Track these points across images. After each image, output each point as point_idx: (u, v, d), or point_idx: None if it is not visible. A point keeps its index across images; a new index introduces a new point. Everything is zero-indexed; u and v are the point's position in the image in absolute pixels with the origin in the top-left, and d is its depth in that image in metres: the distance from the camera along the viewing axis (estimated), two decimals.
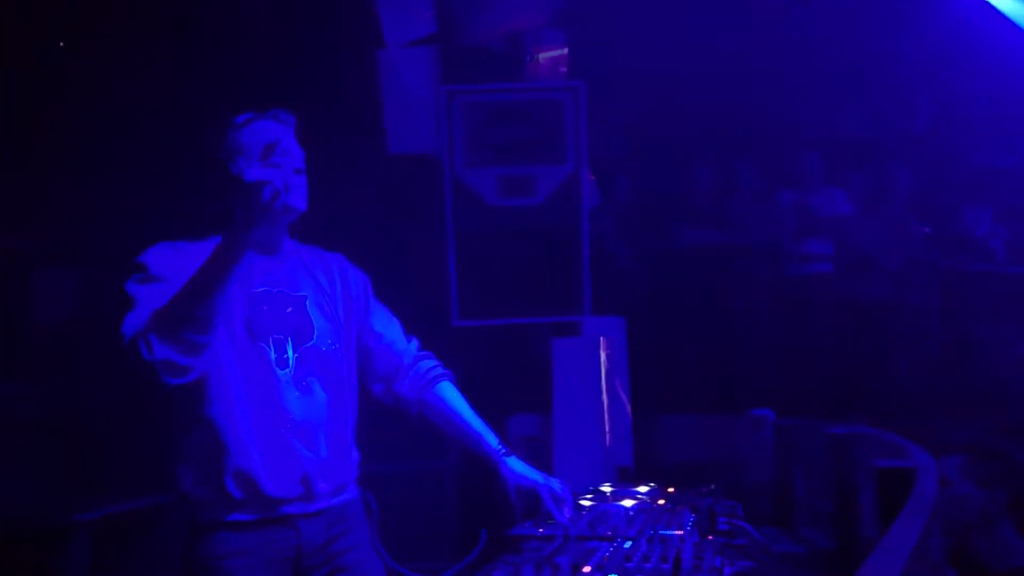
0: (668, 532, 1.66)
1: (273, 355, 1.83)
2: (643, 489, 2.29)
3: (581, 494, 2.17)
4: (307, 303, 1.92)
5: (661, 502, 2.08)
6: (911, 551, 1.22)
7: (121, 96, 4.27)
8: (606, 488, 2.33)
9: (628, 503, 2.05)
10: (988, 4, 5.28)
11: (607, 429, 3.61)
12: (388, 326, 2.08)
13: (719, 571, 1.41)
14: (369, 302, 2.06)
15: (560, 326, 3.72)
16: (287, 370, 1.84)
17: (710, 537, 1.71)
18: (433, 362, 2.09)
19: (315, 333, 1.88)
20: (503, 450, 1.95)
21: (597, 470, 3.40)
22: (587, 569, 1.38)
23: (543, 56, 4.11)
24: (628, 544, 1.56)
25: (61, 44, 4.72)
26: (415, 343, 2.12)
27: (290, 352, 1.85)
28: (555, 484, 1.91)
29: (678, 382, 4.94)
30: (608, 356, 3.77)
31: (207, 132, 2.01)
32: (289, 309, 1.88)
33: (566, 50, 4.19)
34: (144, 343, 1.66)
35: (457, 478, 3.98)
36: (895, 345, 5.56)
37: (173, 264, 1.80)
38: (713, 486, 2.25)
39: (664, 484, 2.37)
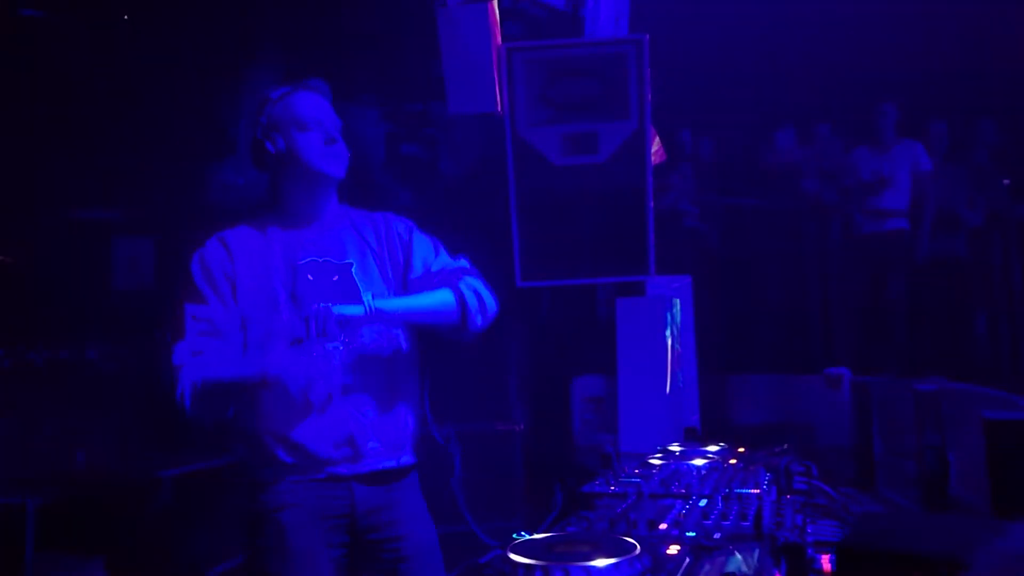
0: (744, 491, 1.61)
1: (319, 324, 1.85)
2: (713, 448, 2.25)
3: (649, 454, 2.14)
4: (353, 269, 1.93)
5: (733, 461, 2.04)
6: None
7: (185, 75, 4.34)
8: (675, 447, 2.30)
9: (699, 462, 2.02)
10: None
11: (672, 389, 3.56)
12: (425, 270, 2.04)
13: (801, 528, 1.37)
14: (410, 253, 2.03)
15: (625, 286, 3.67)
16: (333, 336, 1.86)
17: (787, 496, 1.67)
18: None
19: (363, 297, 1.89)
20: None
21: (663, 430, 3.36)
22: (664, 526, 1.35)
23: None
24: (703, 502, 1.52)
25: (125, 17, 4.81)
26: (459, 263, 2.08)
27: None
28: None
29: (748, 342, 4.84)
30: (674, 315, 3.70)
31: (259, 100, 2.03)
32: (336, 277, 1.90)
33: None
34: (179, 400, 1.80)
35: (525, 439, 3.99)
36: (975, 303, 5.33)
37: (221, 284, 1.86)
38: (786, 445, 2.20)
39: (734, 445, 2.33)
